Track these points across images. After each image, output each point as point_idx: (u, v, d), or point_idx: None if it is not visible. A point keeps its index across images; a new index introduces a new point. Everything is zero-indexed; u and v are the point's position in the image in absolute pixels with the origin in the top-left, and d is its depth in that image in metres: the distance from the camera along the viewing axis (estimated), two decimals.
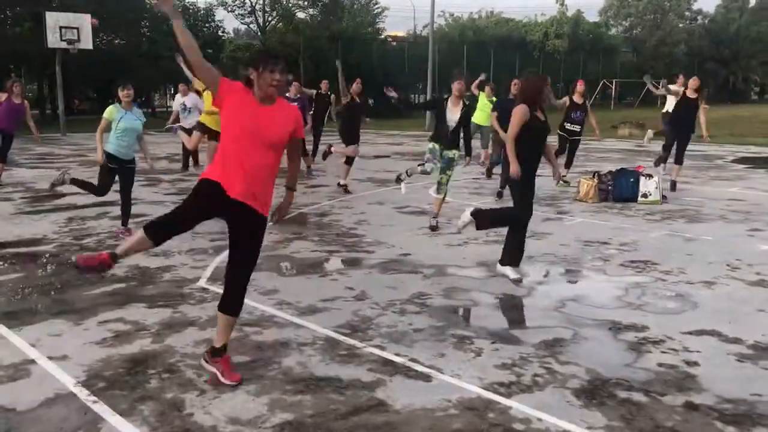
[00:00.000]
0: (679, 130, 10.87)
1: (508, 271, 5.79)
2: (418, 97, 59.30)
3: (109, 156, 7.87)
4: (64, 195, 10.81)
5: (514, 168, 5.54)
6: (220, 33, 39.11)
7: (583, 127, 11.45)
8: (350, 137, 11.18)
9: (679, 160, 10.89)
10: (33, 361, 4.24)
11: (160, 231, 3.82)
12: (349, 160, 11.11)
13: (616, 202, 9.73)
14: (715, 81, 72.57)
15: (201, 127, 10.08)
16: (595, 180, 9.87)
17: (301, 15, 41.90)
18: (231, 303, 4.06)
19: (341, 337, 4.62)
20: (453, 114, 8.04)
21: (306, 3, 40.66)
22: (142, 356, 4.32)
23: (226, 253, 6.84)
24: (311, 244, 7.41)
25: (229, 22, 71.30)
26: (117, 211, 9.32)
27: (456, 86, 8.01)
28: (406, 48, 49.28)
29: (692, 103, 10.73)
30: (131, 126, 7.85)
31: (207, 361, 4.04)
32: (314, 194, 10.93)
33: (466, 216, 5.86)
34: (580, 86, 11.47)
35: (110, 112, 7.82)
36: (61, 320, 5.01)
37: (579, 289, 5.90)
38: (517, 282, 5.74)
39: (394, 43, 51.07)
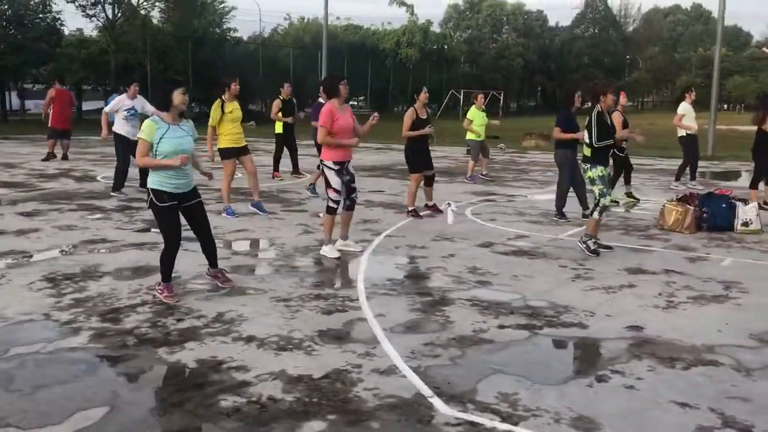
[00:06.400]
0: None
1: None
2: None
3: (159, 193, 5.24)
4: None
5: None
6: (58, 26, 33.91)
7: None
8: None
9: None
10: None
11: None
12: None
13: (711, 232, 8.39)
14: (543, 94, 76.77)
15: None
16: (691, 207, 8.47)
17: (155, 13, 37.80)
18: None
19: None
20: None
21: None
22: None
23: (378, 334, 4.58)
24: (473, 314, 5.21)
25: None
26: (109, 263, 6.36)
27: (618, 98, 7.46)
28: (260, 50, 46.42)
29: None
30: (180, 147, 5.29)
31: None
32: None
33: None
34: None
35: (149, 129, 5.25)
36: None
37: None
38: None
39: (251, 46, 48.03)
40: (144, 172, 11.12)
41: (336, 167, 6.91)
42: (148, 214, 9.05)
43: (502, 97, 56.31)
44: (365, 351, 4.42)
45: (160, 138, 5.21)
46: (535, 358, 4.45)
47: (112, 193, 10.64)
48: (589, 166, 7.27)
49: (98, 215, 9.06)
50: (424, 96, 9.03)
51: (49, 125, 16.00)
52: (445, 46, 56.86)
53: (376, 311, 5.22)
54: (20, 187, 11.55)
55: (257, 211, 9.13)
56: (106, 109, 10.81)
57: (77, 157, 16.74)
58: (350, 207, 7.13)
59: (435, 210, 9.40)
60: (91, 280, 5.97)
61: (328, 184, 7.00)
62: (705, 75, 73.86)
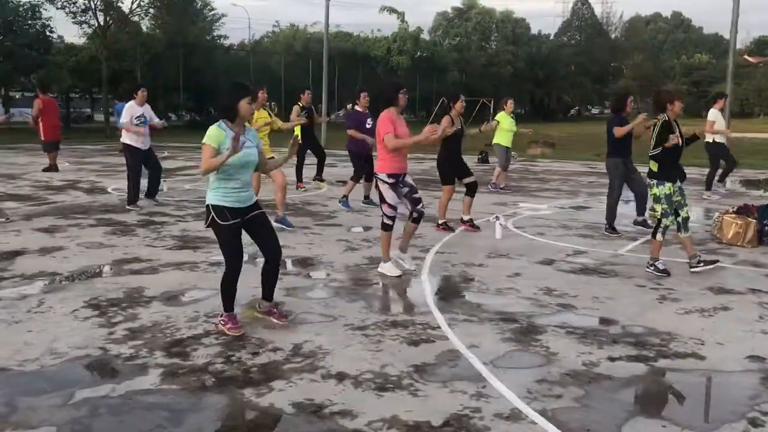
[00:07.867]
0: None
1: None
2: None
3: (220, 209, 4.73)
4: None
5: None
6: (48, 33, 33.04)
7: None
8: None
9: None
10: None
11: None
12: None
13: None
14: (532, 101, 76.73)
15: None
16: (753, 220, 8.07)
17: (146, 21, 37.16)
18: None
19: None
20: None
21: (150, 4, 35.82)
22: None
23: (480, 369, 4.13)
24: (573, 343, 4.75)
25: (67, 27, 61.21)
26: (152, 285, 5.79)
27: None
28: (250, 58, 45.86)
29: None
30: (246, 158, 4.79)
31: None
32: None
33: None
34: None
35: (216, 135, 4.72)
36: None
37: None
38: None
39: (241, 53, 47.44)
40: (153, 182, 10.52)
41: (390, 180, 6.48)
42: (176, 230, 8.56)
43: (492, 105, 56.07)
44: (476, 391, 3.94)
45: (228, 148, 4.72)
46: (668, 397, 3.99)
47: (128, 207, 10.06)
48: (655, 182, 6.70)
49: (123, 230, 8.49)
50: (460, 105, 8.47)
51: (42, 139, 15.03)
52: (434, 54, 56.47)
53: (467, 342, 4.73)
54: (29, 200, 10.93)
55: (282, 226, 8.53)
56: (123, 121, 10.07)
57: (80, 168, 16.09)
58: (417, 219, 6.63)
59: (471, 227, 8.86)
60: (139, 306, 5.44)
61: (382, 200, 6.56)
62: (690, 82, 74.48)
